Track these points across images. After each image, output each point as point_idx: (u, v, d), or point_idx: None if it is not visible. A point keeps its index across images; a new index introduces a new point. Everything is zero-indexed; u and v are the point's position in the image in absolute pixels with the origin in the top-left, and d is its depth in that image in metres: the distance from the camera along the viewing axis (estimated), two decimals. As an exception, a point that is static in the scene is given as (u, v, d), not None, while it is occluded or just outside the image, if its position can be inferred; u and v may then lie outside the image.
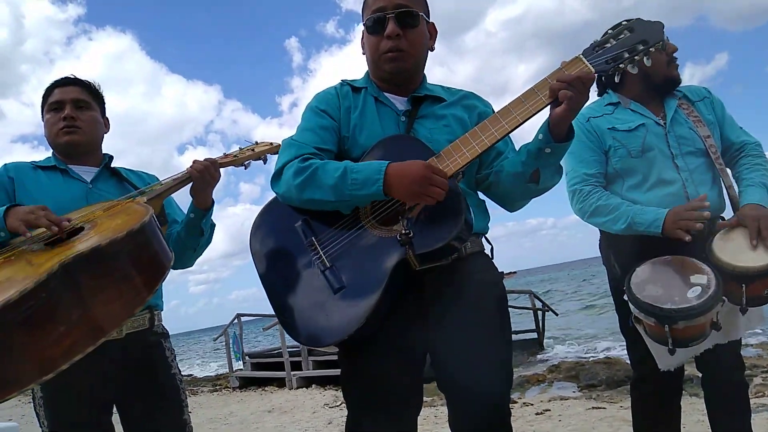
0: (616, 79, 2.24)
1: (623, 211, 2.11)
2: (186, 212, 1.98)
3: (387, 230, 1.50)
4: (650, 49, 1.46)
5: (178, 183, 1.92)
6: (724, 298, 1.87)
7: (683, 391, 2.21)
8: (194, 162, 1.90)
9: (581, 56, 1.48)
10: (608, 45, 1.49)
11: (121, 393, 1.85)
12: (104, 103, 2.10)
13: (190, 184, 1.91)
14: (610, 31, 1.59)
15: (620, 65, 1.47)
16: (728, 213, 2.18)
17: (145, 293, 1.49)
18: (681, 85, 2.29)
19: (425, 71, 1.77)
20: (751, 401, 2.28)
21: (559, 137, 1.48)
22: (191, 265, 2.10)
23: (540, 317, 13.40)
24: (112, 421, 1.86)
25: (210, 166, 1.89)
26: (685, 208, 1.99)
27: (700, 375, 2.29)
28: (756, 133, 2.32)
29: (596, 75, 1.48)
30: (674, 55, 2.19)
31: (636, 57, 1.46)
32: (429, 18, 1.71)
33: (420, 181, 1.39)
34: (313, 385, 10.56)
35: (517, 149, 1.69)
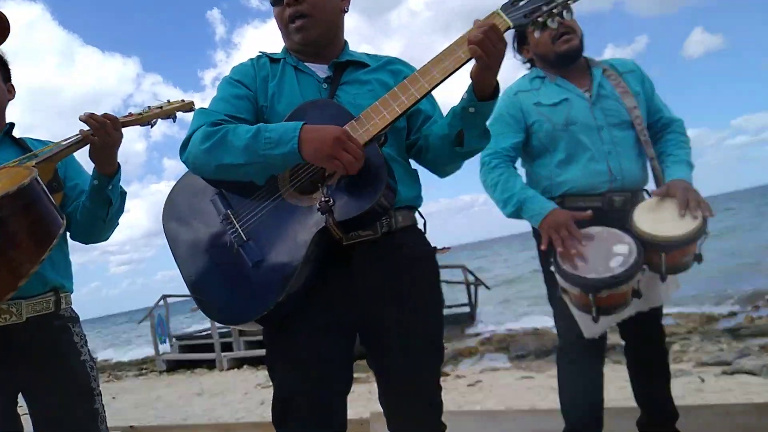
0: (536, 35, 2.23)
1: (515, 194, 2.13)
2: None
3: (307, 199, 1.43)
4: (568, 2, 1.41)
5: (72, 144, 1.71)
6: (645, 266, 1.93)
7: (606, 359, 2.27)
8: (89, 117, 1.66)
9: (499, 11, 1.42)
10: None
11: (26, 381, 1.70)
12: (8, 69, 1.88)
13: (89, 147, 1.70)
14: None
15: (538, 18, 1.41)
16: (650, 185, 2.23)
17: (29, 264, 1.35)
18: (608, 58, 2.31)
19: (347, 38, 1.70)
20: (670, 367, 2.37)
21: (482, 96, 1.44)
22: (107, 238, 1.93)
23: (473, 291, 13.71)
24: (18, 411, 1.73)
25: (106, 123, 1.67)
26: (562, 220, 2.01)
27: (623, 343, 2.37)
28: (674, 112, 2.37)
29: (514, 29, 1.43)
30: (566, 29, 2.17)
31: (554, 10, 1.41)
32: None
33: (332, 144, 1.33)
34: (245, 366, 10.44)
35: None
